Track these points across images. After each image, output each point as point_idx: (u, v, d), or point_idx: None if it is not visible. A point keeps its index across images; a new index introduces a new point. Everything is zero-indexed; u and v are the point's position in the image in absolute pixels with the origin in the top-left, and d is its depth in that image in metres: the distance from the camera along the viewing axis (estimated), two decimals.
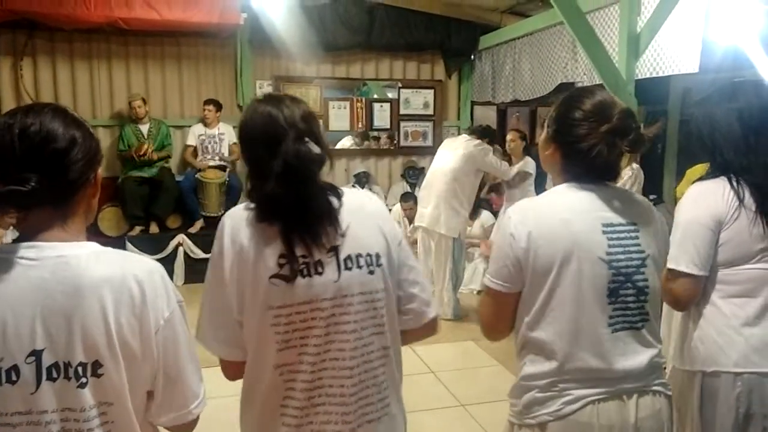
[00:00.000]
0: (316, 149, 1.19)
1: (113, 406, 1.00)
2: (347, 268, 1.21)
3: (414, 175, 6.82)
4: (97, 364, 0.97)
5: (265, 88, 6.49)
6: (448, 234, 4.59)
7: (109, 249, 1.04)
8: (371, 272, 1.23)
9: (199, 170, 5.97)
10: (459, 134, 7.14)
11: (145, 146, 5.74)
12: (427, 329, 1.36)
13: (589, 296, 1.31)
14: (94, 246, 1.03)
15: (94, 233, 5.81)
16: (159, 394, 1.06)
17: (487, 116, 7.23)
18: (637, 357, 1.33)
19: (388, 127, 6.89)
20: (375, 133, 6.88)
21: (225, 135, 6.15)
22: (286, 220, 1.18)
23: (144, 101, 5.86)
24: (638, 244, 1.35)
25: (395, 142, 6.94)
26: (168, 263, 5.70)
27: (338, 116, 6.72)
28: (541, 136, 1.49)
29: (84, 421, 0.97)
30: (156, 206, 5.81)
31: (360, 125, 6.81)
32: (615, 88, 4.30)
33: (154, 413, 1.08)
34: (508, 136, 5.55)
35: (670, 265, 1.55)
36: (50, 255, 0.98)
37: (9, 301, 0.95)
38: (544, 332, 1.34)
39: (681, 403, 1.64)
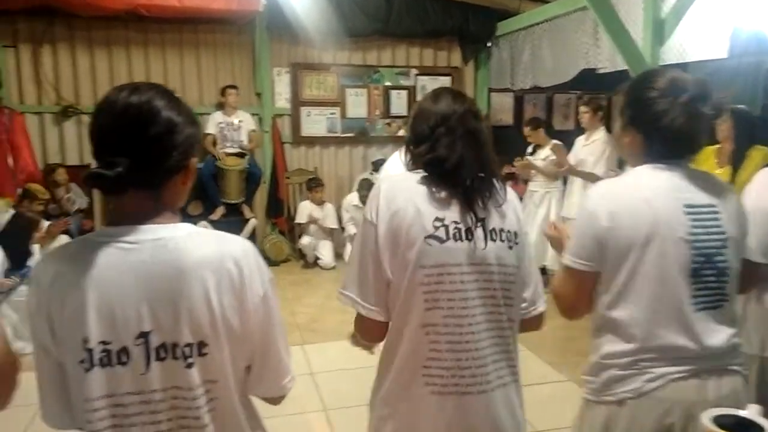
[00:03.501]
0: (482, 125, 1.32)
1: (217, 383, 1.03)
2: (492, 239, 1.28)
3: None
4: (202, 344, 1.00)
5: (282, 75, 6.50)
6: None
7: (201, 229, 1.06)
8: (510, 248, 1.30)
9: (218, 157, 5.99)
10: None
11: None
12: (533, 322, 1.40)
13: (672, 276, 1.33)
14: (188, 227, 1.04)
15: None
16: (255, 370, 1.10)
17: (504, 103, 7.23)
18: (717, 336, 1.35)
19: (405, 114, 6.88)
20: (389, 120, 6.87)
21: (243, 123, 6.16)
22: (459, 185, 1.26)
23: None
24: (719, 226, 1.37)
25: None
26: None
27: (355, 103, 6.72)
28: (616, 126, 1.50)
29: (192, 399, 1.00)
30: None
31: (377, 112, 6.81)
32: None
33: (250, 386, 1.12)
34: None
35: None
36: (148, 238, 1.00)
37: (114, 286, 0.97)
38: (624, 311, 1.36)
39: None
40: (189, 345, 0.99)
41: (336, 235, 6.35)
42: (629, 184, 1.41)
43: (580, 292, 1.44)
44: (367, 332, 1.35)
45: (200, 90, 6.29)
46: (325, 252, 6.12)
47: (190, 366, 0.99)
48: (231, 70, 6.35)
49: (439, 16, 6.51)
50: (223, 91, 6.08)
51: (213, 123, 6.11)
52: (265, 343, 1.08)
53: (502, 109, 7.24)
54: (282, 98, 6.57)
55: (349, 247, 6.18)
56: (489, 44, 6.85)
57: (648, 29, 4.29)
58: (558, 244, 1.67)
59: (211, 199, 6.02)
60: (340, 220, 6.36)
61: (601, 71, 5.16)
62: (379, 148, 6.86)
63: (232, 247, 1.04)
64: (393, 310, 1.29)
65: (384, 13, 6.35)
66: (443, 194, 1.27)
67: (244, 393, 1.11)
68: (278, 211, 6.55)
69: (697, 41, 4.08)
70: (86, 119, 5.96)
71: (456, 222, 1.25)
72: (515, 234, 1.32)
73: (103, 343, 0.97)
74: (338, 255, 6.25)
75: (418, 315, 1.25)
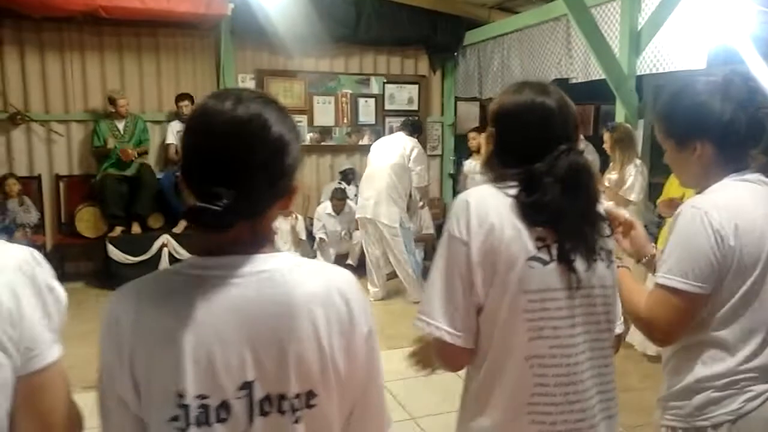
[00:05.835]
0: (589, 160, 1.17)
1: None
2: (593, 260, 1.17)
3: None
4: (310, 394, 0.85)
5: (247, 82, 6.27)
6: (390, 223, 4.97)
7: (303, 259, 0.92)
8: (608, 267, 1.20)
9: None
10: (442, 130, 7.18)
11: (130, 151, 5.48)
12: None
13: None
14: (288, 256, 0.90)
15: (71, 235, 5.49)
16: (354, 420, 0.94)
17: (471, 112, 7.23)
18: None
19: (374, 122, 6.79)
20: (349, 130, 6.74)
21: None
22: (553, 221, 1.13)
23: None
24: None
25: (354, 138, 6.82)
26: (152, 265, 5.42)
27: (323, 111, 6.57)
28: (669, 153, 1.45)
29: None
30: (137, 205, 5.53)
31: (345, 120, 6.68)
32: (617, 83, 4.37)
33: None
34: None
35: None
36: (251, 270, 0.85)
37: (215, 329, 0.82)
38: (732, 330, 1.29)
39: None
40: (297, 396, 0.84)
41: (304, 246, 6.16)
42: (740, 199, 1.32)
43: (685, 316, 1.31)
44: (451, 360, 1.21)
45: (159, 97, 6.00)
46: None
47: (297, 421, 0.84)
48: (192, 76, 6.07)
49: (407, 25, 6.45)
50: (176, 103, 5.75)
51: (172, 132, 5.82)
52: (367, 387, 0.93)
53: (468, 118, 7.24)
54: None
55: (320, 257, 6.01)
56: (456, 53, 6.84)
57: (625, 40, 4.35)
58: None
59: (174, 212, 5.71)
60: (309, 230, 6.18)
61: (573, 81, 5.20)
62: (348, 157, 6.72)
63: (339, 280, 0.90)
64: (486, 337, 1.17)
65: (353, 20, 6.24)
66: (535, 218, 1.14)
67: None
68: None
69: (673, 52, 4.16)
70: (36, 127, 5.58)
71: (557, 242, 1.14)
72: (611, 252, 1.23)
73: (201, 397, 0.80)
74: None
75: (521, 345, 1.13)
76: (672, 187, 4.06)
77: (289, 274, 0.86)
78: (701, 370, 1.32)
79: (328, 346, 0.85)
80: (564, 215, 1.13)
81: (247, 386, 0.82)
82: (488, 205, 1.15)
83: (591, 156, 4.61)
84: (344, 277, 0.92)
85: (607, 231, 1.22)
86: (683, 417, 1.35)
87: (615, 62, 4.34)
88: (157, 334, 0.81)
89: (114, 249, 5.36)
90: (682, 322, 1.32)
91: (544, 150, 1.16)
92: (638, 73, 4.39)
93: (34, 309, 0.82)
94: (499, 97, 1.27)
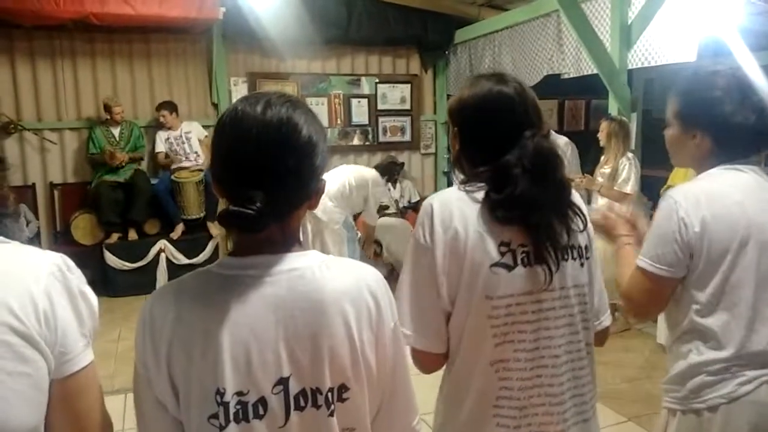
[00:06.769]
0: (554, 145, 1.15)
1: (354, 431, 0.91)
2: (564, 259, 1.15)
3: (395, 171, 6.70)
4: (343, 388, 0.88)
5: (239, 84, 6.27)
6: (328, 222, 4.78)
7: (331, 257, 0.94)
8: (582, 265, 1.19)
9: (173, 172, 5.72)
10: (435, 128, 7.20)
11: (119, 155, 5.45)
12: (598, 337, 1.29)
13: (766, 280, 1.30)
14: (317, 254, 0.92)
15: (67, 243, 5.47)
16: (383, 411, 0.97)
17: None
18: None
19: (367, 122, 6.80)
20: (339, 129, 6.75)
21: (192, 132, 5.86)
22: (525, 216, 1.11)
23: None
24: None
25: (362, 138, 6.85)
26: (150, 271, 5.44)
27: (317, 112, 6.42)
28: (672, 131, 1.47)
29: None
30: (133, 211, 5.51)
31: (338, 121, 6.69)
32: (609, 77, 4.40)
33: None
34: None
35: None
36: (283, 269, 0.87)
37: (250, 326, 0.84)
38: (716, 319, 1.32)
39: None
40: (331, 390, 0.86)
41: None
42: (717, 187, 1.37)
43: (656, 296, 1.40)
44: (424, 365, 1.22)
45: (152, 103, 5.95)
46: None
47: (332, 414, 0.86)
48: (185, 81, 6.07)
49: (398, 24, 6.46)
50: (157, 111, 5.74)
51: (161, 140, 5.82)
52: (395, 379, 0.96)
53: None
54: None
55: None
56: (447, 52, 6.86)
57: (615, 34, 4.38)
58: (604, 232, 1.60)
59: (170, 217, 5.70)
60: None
61: (565, 77, 5.24)
62: (341, 158, 6.72)
63: (368, 277, 0.93)
64: (455, 342, 1.17)
65: (344, 20, 6.25)
66: (507, 215, 1.12)
67: None
68: None
69: (663, 45, 4.20)
70: (29, 135, 5.56)
71: (523, 245, 1.12)
72: (586, 248, 1.21)
73: (239, 394, 0.82)
74: None
75: (488, 351, 1.13)
76: (677, 176, 4.11)
77: (319, 271, 0.89)
78: (695, 356, 1.36)
79: (359, 340, 0.88)
80: (536, 208, 1.11)
81: (283, 382, 0.84)
82: (453, 211, 1.13)
83: (568, 149, 4.65)
84: (372, 274, 0.95)
85: (580, 225, 1.19)
86: (680, 400, 1.39)
87: (607, 57, 4.38)
88: (196, 333, 0.83)
89: (111, 256, 5.35)
90: (652, 300, 1.40)
91: (509, 140, 1.13)
92: (629, 67, 4.42)
93: (67, 313, 0.82)
94: (456, 94, 1.25)
